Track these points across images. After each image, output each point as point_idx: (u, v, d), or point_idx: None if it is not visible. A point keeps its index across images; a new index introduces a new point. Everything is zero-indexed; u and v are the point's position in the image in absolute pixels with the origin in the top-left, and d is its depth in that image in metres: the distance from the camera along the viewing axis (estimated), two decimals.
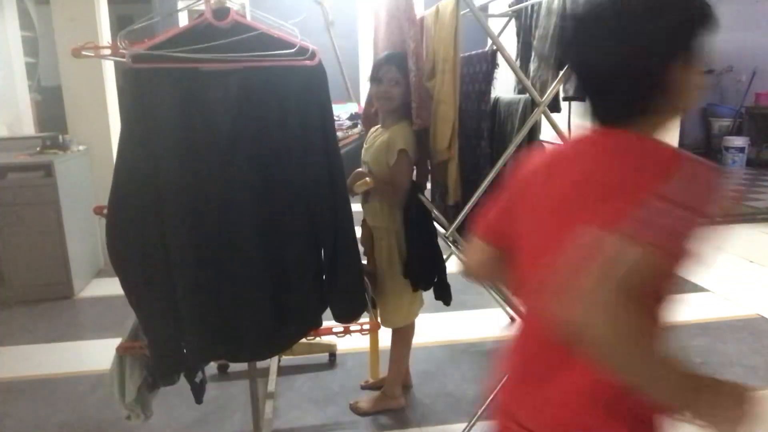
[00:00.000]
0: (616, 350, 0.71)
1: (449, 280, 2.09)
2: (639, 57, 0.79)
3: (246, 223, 1.59)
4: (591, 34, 0.83)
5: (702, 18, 0.84)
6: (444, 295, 2.09)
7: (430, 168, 2.16)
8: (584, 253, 0.73)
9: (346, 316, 1.82)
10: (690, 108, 0.90)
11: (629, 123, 0.84)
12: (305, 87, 1.57)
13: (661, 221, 0.73)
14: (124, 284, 1.60)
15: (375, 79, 2.00)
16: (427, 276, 2.05)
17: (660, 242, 0.72)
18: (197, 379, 1.85)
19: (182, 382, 1.83)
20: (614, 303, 0.70)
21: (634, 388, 0.74)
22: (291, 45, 1.54)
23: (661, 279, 0.81)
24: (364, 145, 2.15)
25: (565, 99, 2.15)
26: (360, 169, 2.03)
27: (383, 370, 2.32)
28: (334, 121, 1.66)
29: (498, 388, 0.99)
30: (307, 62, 1.55)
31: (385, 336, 2.23)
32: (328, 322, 1.89)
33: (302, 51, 1.55)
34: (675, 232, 0.74)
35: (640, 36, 0.79)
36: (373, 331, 1.99)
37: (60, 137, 3.67)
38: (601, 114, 0.89)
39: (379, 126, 2.13)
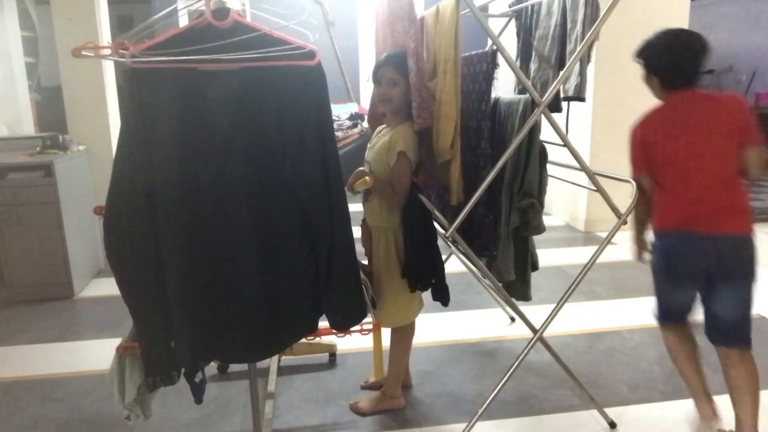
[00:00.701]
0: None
1: (448, 280, 2.09)
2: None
3: (241, 223, 1.59)
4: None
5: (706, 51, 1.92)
6: (441, 296, 2.09)
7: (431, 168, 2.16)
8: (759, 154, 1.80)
9: (342, 324, 1.81)
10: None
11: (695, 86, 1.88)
12: (303, 87, 1.57)
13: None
14: (120, 282, 1.60)
15: (375, 80, 2.00)
16: (424, 277, 2.05)
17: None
18: (197, 379, 1.85)
19: (182, 382, 1.83)
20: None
21: None
22: (289, 44, 1.54)
23: None
24: (368, 145, 2.15)
25: (564, 99, 2.16)
26: (361, 168, 2.03)
27: (386, 371, 2.32)
28: (332, 121, 1.65)
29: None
30: (307, 62, 1.54)
31: (386, 335, 2.24)
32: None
33: (301, 51, 1.54)
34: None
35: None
36: (376, 331, 1.99)
37: (60, 137, 3.68)
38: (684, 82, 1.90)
39: (384, 126, 2.13)
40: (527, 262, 2.26)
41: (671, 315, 1.97)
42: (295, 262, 1.66)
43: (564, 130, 1.97)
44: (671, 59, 1.84)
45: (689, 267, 1.81)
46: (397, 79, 1.94)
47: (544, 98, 1.86)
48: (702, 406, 2.02)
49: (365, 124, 5.42)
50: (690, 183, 1.78)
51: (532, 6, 2.32)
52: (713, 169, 1.78)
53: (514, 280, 2.21)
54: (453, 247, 2.61)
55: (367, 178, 1.92)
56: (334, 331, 1.85)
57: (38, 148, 3.57)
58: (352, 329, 1.86)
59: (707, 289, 1.83)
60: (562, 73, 1.91)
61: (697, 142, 1.77)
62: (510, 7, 2.53)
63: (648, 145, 1.84)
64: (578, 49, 1.89)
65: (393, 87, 1.95)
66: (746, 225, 1.81)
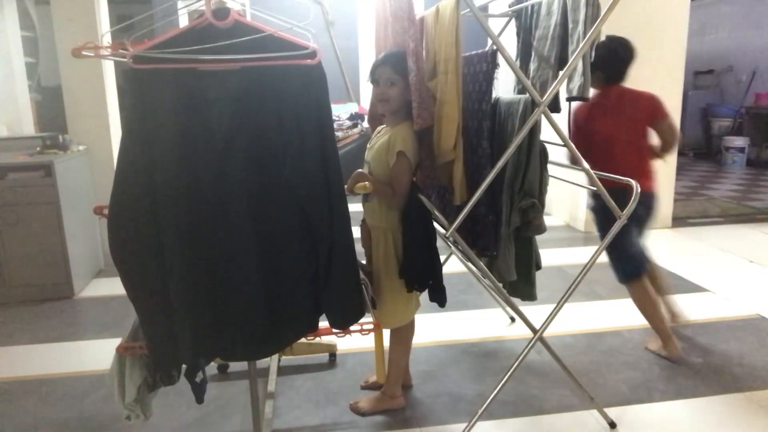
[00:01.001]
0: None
1: (446, 281, 2.09)
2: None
3: (241, 223, 1.59)
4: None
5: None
6: (438, 297, 2.08)
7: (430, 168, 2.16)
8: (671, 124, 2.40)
9: (342, 324, 1.81)
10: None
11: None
12: (304, 87, 1.57)
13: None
14: (125, 281, 1.60)
15: (372, 80, 2.00)
16: (422, 277, 2.05)
17: None
18: (198, 379, 1.84)
19: (182, 382, 1.83)
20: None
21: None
22: (290, 45, 1.54)
23: None
24: (368, 145, 2.15)
25: (568, 99, 2.15)
26: (361, 170, 2.02)
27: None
28: (332, 121, 1.64)
29: None
30: (308, 61, 1.54)
31: (385, 335, 2.23)
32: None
33: (301, 51, 1.54)
34: None
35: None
36: (377, 331, 1.99)
37: (60, 137, 3.68)
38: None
39: (384, 126, 2.13)
40: (532, 262, 2.26)
41: (645, 261, 2.57)
42: (295, 261, 1.66)
43: (564, 130, 1.97)
44: (616, 61, 2.49)
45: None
46: (395, 79, 1.94)
47: (544, 98, 1.86)
48: (672, 347, 2.59)
49: (365, 124, 5.42)
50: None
51: (532, 6, 2.32)
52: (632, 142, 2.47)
53: (520, 280, 2.21)
54: (453, 248, 2.61)
55: (366, 183, 1.91)
56: (334, 330, 1.85)
57: (38, 148, 3.57)
58: (352, 329, 1.86)
59: None
60: (562, 73, 1.91)
61: (619, 123, 2.46)
62: (510, 7, 2.53)
63: (581, 123, 2.54)
64: (578, 49, 1.89)
65: (391, 87, 1.95)
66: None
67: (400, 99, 1.95)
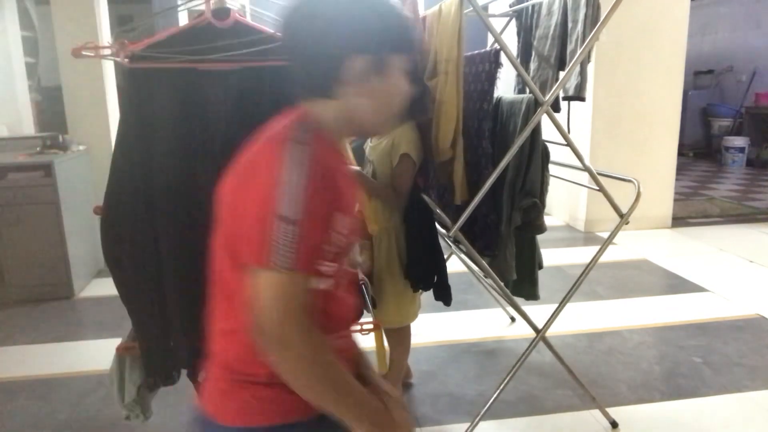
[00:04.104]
0: (314, 369, 0.79)
1: (450, 280, 2.09)
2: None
3: None
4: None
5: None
6: (444, 296, 2.08)
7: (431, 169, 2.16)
8: (258, 297, 0.77)
9: None
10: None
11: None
12: None
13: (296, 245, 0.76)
14: (117, 282, 1.60)
15: None
16: (427, 277, 2.05)
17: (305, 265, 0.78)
18: (200, 379, 1.84)
19: (182, 382, 1.83)
20: (303, 332, 0.77)
21: (320, 403, 0.82)
22: None
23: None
24: (369, 143, 2.15)
25: (564, 99, 2.16)
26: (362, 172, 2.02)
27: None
28: None
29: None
30: None
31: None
32: None
33: None
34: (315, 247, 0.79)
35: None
36: (377, 331, 1.99)
37: (60, 137, 3.67)
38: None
39: None
40: (534, 261, 2.26)
41: None
42: None
43: (565, 130, 1.97)
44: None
45: None
46: None
47: (547, 98, 1.86)
48: None
49: None
50: None
51: (533, 6, 2.32)
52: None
53: (523, 280, 2.21)
54: (454, 247, 2.61)
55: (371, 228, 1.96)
56: None
57: (38, 148, 3.57)
58: (352, 329, 1.86)
59: None
60: (564, 73, 1.91)
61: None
62: (511, 6, 2.53)
63: None
64: (580, 50, 1.89)
65: None
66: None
67: None
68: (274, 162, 0.79)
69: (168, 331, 1.64)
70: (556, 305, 2.09)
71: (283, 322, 0.75)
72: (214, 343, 0.95)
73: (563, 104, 2.25)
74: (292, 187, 0.75)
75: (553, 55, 2.13)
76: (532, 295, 2.30)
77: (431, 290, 2.12)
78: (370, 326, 1.96)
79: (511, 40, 2.47)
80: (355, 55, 0.84)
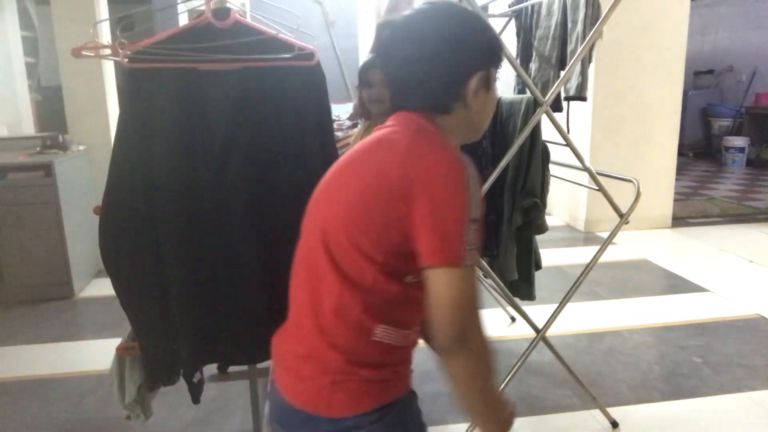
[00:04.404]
0: (484, 368, 0.90)
1: None
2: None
3: (241, 224, 1.58)
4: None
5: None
6: None
7: None
8: (447, 294, 0.84)
9: None
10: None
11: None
12: (303, 87, 1.57)
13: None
14: (116, 285, 1.59)
15: (365, 82, 1.98)
16: None
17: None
18: (195, 380, 1.84)
19: (182, 382, 1.83)
20: (481, 328, 0.88)
21: (473, 399, 0.91)
22: (289, 45, 1.54)
23: None
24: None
25: (566, 99, 2.16)
26: None
27: None
28: (332, 121, 1.65)
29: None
30: (305, 62, 1.54)
31: None
32: None
33: (300, 52, 1.54)
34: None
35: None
36: None
37: (60, 137, 3.67)
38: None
39: (368, 122, 2.11)
40: (531, 261, 2.26)
41: None
42: None
43: (565, 130, 1.97)
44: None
45: None
46: None
47: (546, 98, 1.86)
48: None
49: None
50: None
51: (532, 6, 2.32)
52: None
53: (519, 279, 2.21)
54: None
55: None
56: None
57: (38, 148, 3.57)
58: None
59: None
60: (564, 73, 1.91)
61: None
62: (510, 7, 2.53)
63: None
64: (580, 49, 1.89)
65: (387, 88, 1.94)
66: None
67: None
68: (452, 171, 0.84)
69: (170, 333, 1.64)
70: (556, 305, 2.09)
71: (468, 316, 0.85)
72: (316, 330, 0.93)
73: (564, 104, 2.25)
74: (472, 193, 0.83)
75: (554, 55, 2.13)
76: (528, 294, 2.29)
77: None
78: None
79: (510, 40, 2.47)
80: (473, 73, 0.92)
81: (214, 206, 1.57)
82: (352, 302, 0.88)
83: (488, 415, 0.93)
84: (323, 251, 0.91)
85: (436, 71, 0.91)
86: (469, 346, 0.85)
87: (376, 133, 0.95)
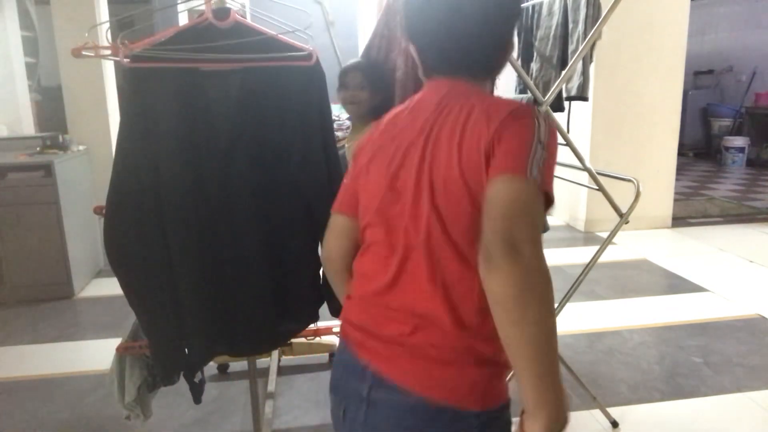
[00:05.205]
0: (539, 285, 0.74)
1: None
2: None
3: (246, 221, 1.59)
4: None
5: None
6: None
7: None
8: (507, 199, 0.78)
9: (339, 310, 1.82)
10: None
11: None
12: (304, 87, 1.58)
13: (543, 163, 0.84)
14: (124, 285, 1.59)
15: (342, 84, 2.02)
16: None
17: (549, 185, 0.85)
18: (196, 379, 1.84)
19: (182, 382, 1.83)
20: (538, 243, 0.76)
21: (521, 335, 0.73)
22: (289, 45, 1.55)
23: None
24: (347, 145, 2.17)
25: (567, 99, 2.16)
26: None
27: None
28: (332, 120, 1.67)
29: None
30: (304, 62, 1.55)
31: None
32: (329, 321, 1.89)
33: (300, 52, 1.55)
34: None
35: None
36: None
37: (60, 137, 3.67)
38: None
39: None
40: None
41: None
42: (299, 257, 1.67)
43: (565, 130, 1.97)
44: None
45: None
46: (365, 84, 1.97)
47: (546, 98, 1.86)
48: None
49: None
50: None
51: (533, 6, 2.32)
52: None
53: None
54: None
55: None
56: (334, 330, 1.85)
57: (38, 148, 3.57)
58: None
59: None
60: (564, 73, 1.91)
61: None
62: None
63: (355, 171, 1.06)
64: (580, 49, 1.89)
65: (361, 91, 1.98)
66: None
67: (368, 103, 1.98)
68: (528, 116, 0.86)
69: (180, 329, 1.64)
70: (556, 305, 2.09)
71: (523, 228, 0.74)
72: (437, 303, 0.86)
73: (565, 104, 2.25)
74: (542, 125, 0.85)
75: (555, 55, 2.13)
76: None
77: None
78: None
79: None
80: (510, 35, 0.97)
81: (219, 203, 1.58)
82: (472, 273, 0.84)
83: (550, 379, 0.74)
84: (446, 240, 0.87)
85: (486, 38, 0.92)
86: (519, 253, 0.72)
87: (454, 98, 0.92)
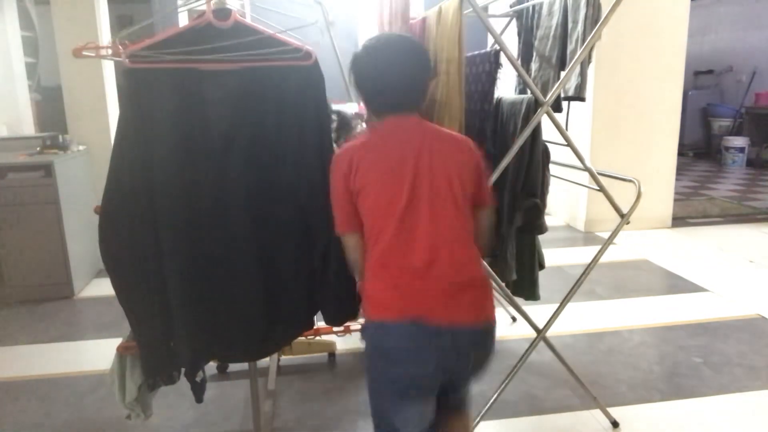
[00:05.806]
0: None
1: None
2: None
3: (240, 223, 1.59)
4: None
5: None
6: None
7: None
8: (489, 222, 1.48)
9: (336, 318, 1.81)
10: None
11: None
12: (302, 87, 1.58)
13: None
14: (116, 284, 1.59)
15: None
16: None
17: None
18: (198, 379, 1.84)
19: (182, 382, 1.83)
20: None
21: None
22: (287, 44, 1.55)
23: None
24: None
25: (564, 99, 2.16)
26: None
27: None
28: (330, 122, 1.67)
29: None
30: (302, 62, 1.55)
31: None
32: None
33: (298, 52, 1.55)
34: None
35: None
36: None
37: (60, 137, 3.67)
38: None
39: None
40: (535, 261, 2.26)
41: None
42: (293, 260, 1.66)
43: (565, 130, 1.97)
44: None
45: (419, 374, 1.26)
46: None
47: (548, 98, 1.86)
48: None
49: (364, 125, 5.42)
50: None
51: (533, 6, 2.32)
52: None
53: (524, 280, 2.21)
54: None
55: None
56: (334, 329, 1.85)
57: (38, 148, 3.57)
58: (352, 328, 1.86)
59: (446, 390, 1.37)
60: (564, 73, 1.91)
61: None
62: (511, 7, 2.53)
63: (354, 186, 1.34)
64: (580, 50, 1.89)
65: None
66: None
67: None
68: (472, 146, 1.39)
69: (169, 331, 1.64)
70: (557, 305, 2.09)
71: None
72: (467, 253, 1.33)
73: (563, 104, 2.25)
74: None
75: (555, 55, 2.13)
76: (531, 295, 2.30)
77: None
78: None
79: (511, 40, 2.47)
80: (428, 79, 1.40)
81: (213, 204, 1.57)
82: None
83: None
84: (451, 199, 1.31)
85: (419, 78, 1.36)
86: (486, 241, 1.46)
87: (421, 126, 1.37)
